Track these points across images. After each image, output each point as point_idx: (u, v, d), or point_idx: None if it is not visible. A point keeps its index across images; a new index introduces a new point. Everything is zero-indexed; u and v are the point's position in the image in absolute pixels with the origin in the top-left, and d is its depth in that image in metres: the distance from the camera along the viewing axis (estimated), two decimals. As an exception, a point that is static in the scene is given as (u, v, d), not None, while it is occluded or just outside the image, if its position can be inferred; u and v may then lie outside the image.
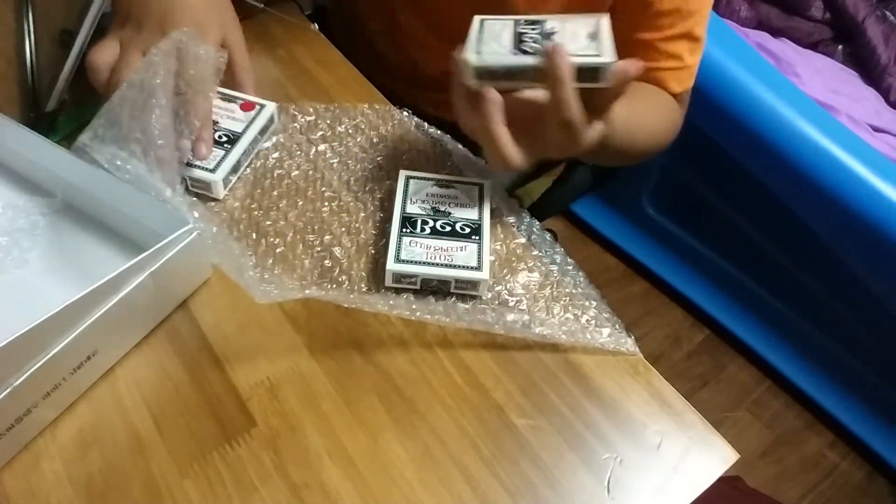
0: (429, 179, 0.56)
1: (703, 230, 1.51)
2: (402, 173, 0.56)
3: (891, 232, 1.11)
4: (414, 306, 0.49)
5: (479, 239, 0.52)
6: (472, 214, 0.53)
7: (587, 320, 0.52)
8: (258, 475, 0.43)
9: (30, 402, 0.41)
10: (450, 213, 0.53)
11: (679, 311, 1.56)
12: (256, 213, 0.55)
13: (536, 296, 0.53)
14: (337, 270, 0.53)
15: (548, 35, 0.48)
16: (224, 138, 0.56)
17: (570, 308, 0.52)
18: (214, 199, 0.56)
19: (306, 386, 0.47)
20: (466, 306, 0.50)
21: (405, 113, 0.64)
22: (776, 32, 1.49)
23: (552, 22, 0.50)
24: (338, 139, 0.62)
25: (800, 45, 1.47)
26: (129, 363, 0.47)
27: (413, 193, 0.54)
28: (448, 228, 0.52)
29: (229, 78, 0.58)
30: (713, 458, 0.47)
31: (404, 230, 0.51)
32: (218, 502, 0.42)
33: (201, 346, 0.48)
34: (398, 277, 0.50)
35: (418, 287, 0.51)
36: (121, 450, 0.43)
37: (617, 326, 0.52)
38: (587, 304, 0.53)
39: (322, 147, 0.61)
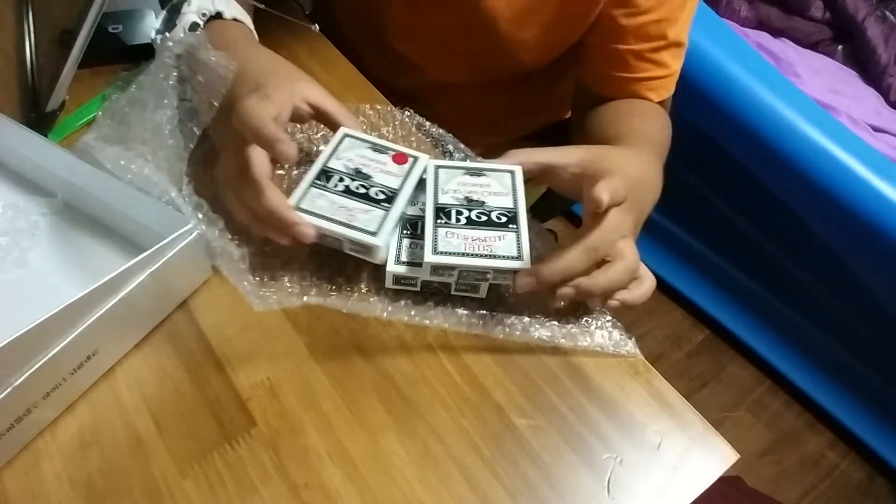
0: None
1: (703, 230, 1.50)
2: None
3: (891, 232, 1.11)
4: (413, 312, 0.49)
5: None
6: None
7: (587, 321, 0.52)
8: (258, 475, 0.43)
9: (30, 402, 0.41)
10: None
11: (679, 311, 1.56)
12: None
13: (536, 296, 0.53)
14: (337, 270, 0.53)
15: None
16: (381, 195, 0.50)
17: (569, 308, 0.52)
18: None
19: (306, 386, 0.47)
20: (465, 311, 0.50)
21: (407, 113, 0.64)
22: (776, 32, 1.49)
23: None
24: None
25: (800, 45, 1.47)
26: (129, 363, 0.47)
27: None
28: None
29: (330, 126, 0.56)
30: (713, 458, 0.47)
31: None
32: (218, 502, 0.42)
33: (201, 346, 0.48)
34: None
35: (418, 289, 0.51)
36: (121, 450, 0.43)
37: (617, 327, 0.52)
38: (587, 304, 0.53)
39: (324, 147, 0.61)
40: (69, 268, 0.51)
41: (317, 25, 0.76)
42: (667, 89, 0.71)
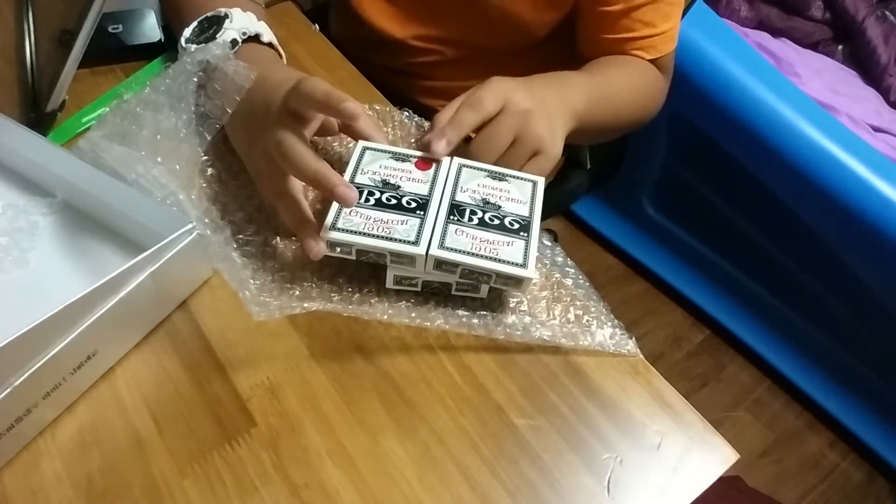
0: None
1: (703, 230, 1.51)
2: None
3: (891, 232, 1.11)
4: (413, 314, 0.49)
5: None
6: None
7: (587, 321, 0.52)
8: (258, 475, 0.43)
9: (30, 402, 0.41)
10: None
11: (679, 311, 1.56)
12: (259, 216, 0.55)
13: (537, 297, 0.53)
14: (338, 270, 0.53)
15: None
16: (413, 203, 0.50)
17: (570, 309, 0.52)
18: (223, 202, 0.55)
19: (306, 386, 0.47)
20: (466, 312, 0.50)
21: (405, 114, 0.64)
22: (776, 32, 1.48)
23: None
24: (337, 140, 0.62)
25: (800, 45, 1.47)
26: (129, 363, 0.47)
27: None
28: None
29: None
30: (713, 458, 0.47)
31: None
32: (218, 502, 0.42)
33: (201, 346, 0.48)
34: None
35: (419, 289, 0.51)
36: (121, 450, 0.43)
37: (617, 327, 0.52)
38: (588, 304, 0.53)
39: (322, 147, 0.61)
40: (69, 268, 0.51)
41: (317, 25, 0.76)
42: (657, 49, 0.71)
